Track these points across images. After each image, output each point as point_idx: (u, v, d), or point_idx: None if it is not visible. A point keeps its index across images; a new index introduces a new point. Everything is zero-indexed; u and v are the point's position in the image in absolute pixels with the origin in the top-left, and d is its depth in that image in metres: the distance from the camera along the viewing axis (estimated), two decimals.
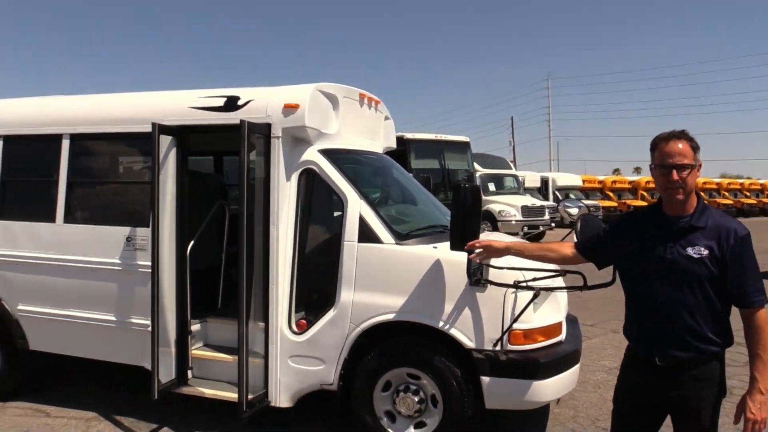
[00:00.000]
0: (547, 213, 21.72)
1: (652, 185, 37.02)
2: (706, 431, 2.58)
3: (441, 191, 16.57)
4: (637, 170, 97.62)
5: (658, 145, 2.60)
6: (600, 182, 35.14)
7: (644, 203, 34.77)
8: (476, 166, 20.30)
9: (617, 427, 2.83)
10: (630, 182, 37.23)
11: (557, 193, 30.19)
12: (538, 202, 21.96)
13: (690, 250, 2.53)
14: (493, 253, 3.46)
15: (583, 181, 32.90)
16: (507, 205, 20.35)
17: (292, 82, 4.60)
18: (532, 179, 29.23)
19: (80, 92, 5.81)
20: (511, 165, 25.20)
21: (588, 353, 6.75)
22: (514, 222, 19.80)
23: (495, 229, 19.82)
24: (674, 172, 2.52)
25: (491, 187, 21.51)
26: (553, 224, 22.85)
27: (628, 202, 34.45)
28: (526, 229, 19.67)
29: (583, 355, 6.50)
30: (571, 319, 5.01)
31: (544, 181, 30.33)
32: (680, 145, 2.54)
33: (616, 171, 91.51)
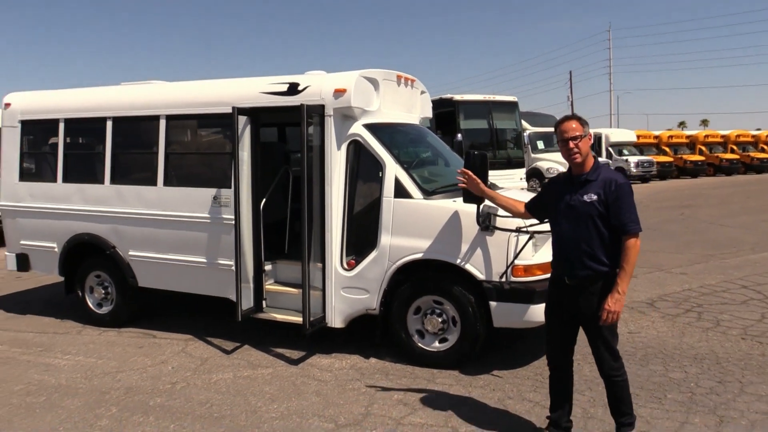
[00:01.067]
0: None
1: (711, 139, 36.26)
2: (599, 325, 3.52)
3: (489, 150, 17.37)
4: (704, 123, 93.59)
5: (559, 125, 3.63)
6: (656, 137, 34.57)
7: (702, 158, 34.23)
8: (525, 124, 20.84)
9: (549, 333, 3.88)
10: (687, 137, 36.36)
11: (610, 149, 30.27)
12: None
13: (584, 197, 3.53)
14: (473, 188, 4.42)
15: (638, 137, 32.60)
16: (555, 162, 20.92)
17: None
18: None
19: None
20: None
21: None
22: None
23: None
24: (570, 142, 3.54)
25: (540, 145, 22.06)
26: None
27: (685, 157, 33.95)
28: None
29: None
30: None
31: (597, 138, 30.38)
32: (573, 124, 3.58)
33: (682, 124, 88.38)
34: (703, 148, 35.30)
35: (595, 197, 3.50)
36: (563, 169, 19.37)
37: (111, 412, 4.65)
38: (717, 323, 6.36)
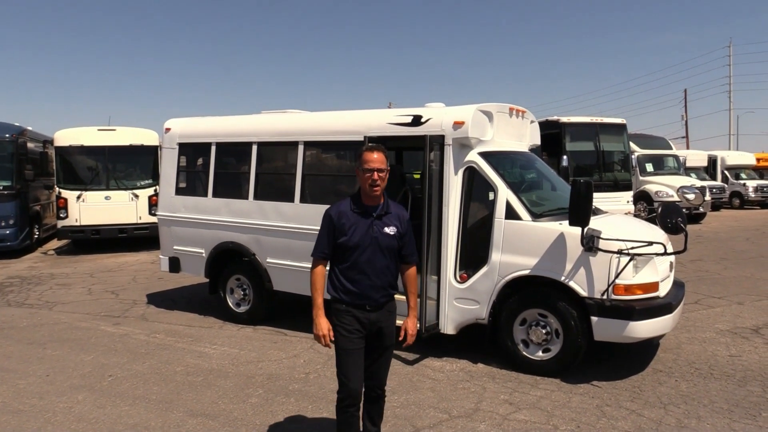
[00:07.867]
0: (708, 194, 21.51)
1: None
2: (392, 344, 3.85)
3: (596, 173, 17.42)
4: None
5: (363, 154, 3.62)
6: None
7: None
8: (634, 146, 20.58)
9: (351, 366, 3.68)
10: None
11: (726, 172, 29.12)
12: (699, 183, 21.78)
13: (387, 230, 3.67)
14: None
15: (758, 160, 31.05)
16: (664, 186, 20.52)
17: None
18: (698, 158, 28.42)
19: None
20: (672, 144, 24.81)
21: (706, 317, 7.91)
22: None
23: (652, 211, 20.15)
24: (376, 173, 3.55)
25: (649, 167, 21.63)
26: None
27: None
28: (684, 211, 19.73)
29: (700, 319, 7.72)
30: (678, 284, 6.34)
31: (712, 160, 29.34)
32: (377, 155, 3.57)
33: None
34: None
35: (395, 230, 3.69)
36: (672, 192, 19.00)
37: (258, 392, 5.52)
38: None
